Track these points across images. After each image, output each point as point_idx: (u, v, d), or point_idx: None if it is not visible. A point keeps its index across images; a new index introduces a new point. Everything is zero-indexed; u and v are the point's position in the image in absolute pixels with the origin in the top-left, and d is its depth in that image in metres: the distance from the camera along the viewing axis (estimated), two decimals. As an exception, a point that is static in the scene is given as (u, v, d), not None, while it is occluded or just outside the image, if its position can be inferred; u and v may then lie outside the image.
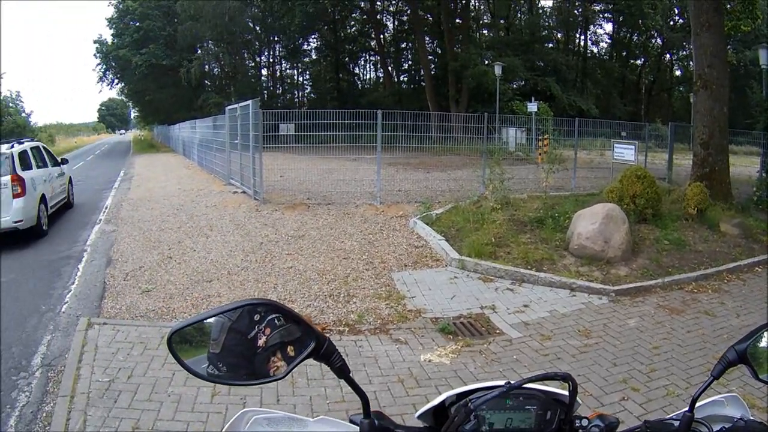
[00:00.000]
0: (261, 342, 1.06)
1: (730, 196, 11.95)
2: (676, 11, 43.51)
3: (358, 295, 6.42)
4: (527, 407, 1.20)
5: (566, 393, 1.22)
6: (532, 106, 23.83)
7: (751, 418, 1.34)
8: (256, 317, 1.05)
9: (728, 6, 15.75)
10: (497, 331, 5.60)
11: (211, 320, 1.04)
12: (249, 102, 12.40)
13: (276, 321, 1.07)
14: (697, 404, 1.27)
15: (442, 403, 1.23)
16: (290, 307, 1.08)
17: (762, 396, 4.18)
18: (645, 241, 8.63)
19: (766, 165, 13.69)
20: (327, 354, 1.12)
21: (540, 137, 16.53)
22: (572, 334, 5.63)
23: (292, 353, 1.09)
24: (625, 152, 13.00)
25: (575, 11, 46.40)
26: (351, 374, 1.17)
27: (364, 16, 44.85)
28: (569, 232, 8.32)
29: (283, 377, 1.09)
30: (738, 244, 9.09)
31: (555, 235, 8.58)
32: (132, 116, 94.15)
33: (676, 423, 1.26)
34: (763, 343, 1.30)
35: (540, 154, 15.10)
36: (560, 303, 6.49)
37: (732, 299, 6.96)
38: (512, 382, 1.14)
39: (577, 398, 1.23)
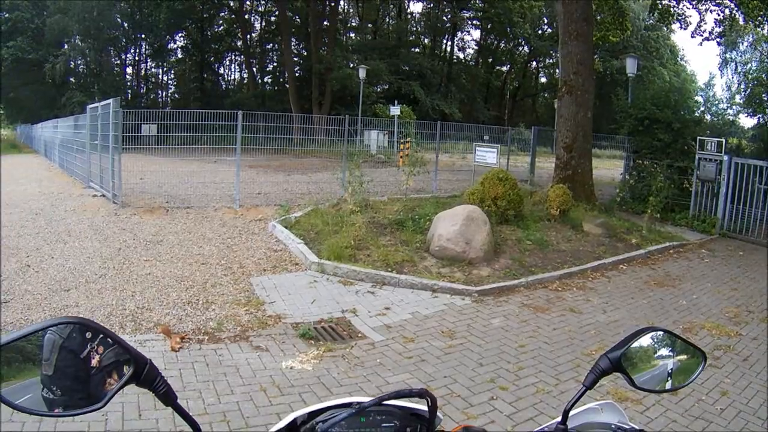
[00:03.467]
0: (95, 362, 1.01)
1: (593, 197, 12.85)
2: (545, 21, 46.78)
3: (217, 302, 6.47)
4: (384, 425, 1.23)
5: (426, 408, 1.24)
6: (395, 110, 24.69)
7: (629, 424, 1.39)
8: (88, 334, 1.01)
9: (598, 17, 17.08)
10: (359, 335, 5.72)
11: (38, 336, 0.98)
12: (110, 101, 12.35)
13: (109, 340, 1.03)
14: (571, 413, 1.31)
15: (294, 421, 1.24)
16: (103, 325, 1.03)
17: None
18: (507, 241, 9.08)
19: (628, 168, 14.83)
20: (149, 379, 1.08)
21: (402, 140, 16.97)
22: (436, 336, 5.76)
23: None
24: (487, 155, 13.61)
25: (444, 17, 48.49)
26: (178, 400, 1.13)
27: (233, 15, 45.72)
28: (430, 233, 8.61)
29: (102, 406, 1.03)
30: (602, 243, 9.79)
31: (415, 237, 8.87)
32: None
33: None
34: (638, 350, 1.36)
35: (401, 156, 15.61)
36: (422, 304, 6.69)
37: (597, 296, 7.49)
38: (364, 401, 1.16)
39: (438, 413, 1.25)
